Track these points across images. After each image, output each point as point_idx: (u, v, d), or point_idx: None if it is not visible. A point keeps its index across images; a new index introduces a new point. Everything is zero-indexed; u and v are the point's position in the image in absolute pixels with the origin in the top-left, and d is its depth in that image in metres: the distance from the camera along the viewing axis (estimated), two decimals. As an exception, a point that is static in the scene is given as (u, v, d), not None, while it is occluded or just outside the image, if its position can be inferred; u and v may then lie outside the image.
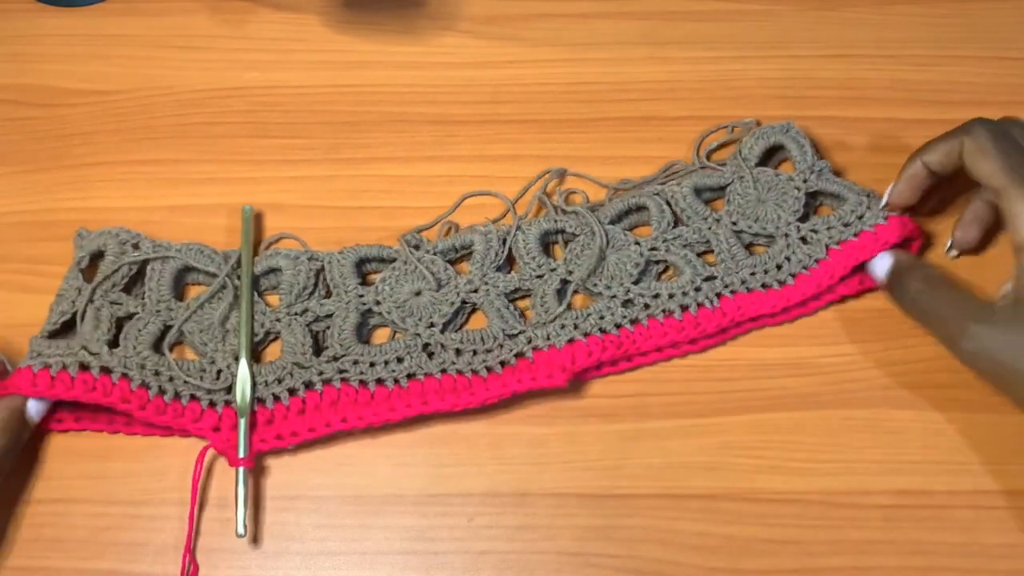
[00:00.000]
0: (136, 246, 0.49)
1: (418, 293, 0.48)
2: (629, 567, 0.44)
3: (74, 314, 0.46)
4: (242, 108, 0.55)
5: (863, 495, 0.45)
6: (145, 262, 0.48)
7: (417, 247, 0.50)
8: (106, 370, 0.44)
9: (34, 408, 0.44)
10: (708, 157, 0.53)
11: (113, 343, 0.46)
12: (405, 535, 0.45)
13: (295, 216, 0.52)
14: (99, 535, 0.45)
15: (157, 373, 0.45)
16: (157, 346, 0.46)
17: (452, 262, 0.50)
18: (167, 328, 0.47)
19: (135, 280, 0.48)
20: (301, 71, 0.56)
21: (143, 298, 0.48)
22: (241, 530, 0.43)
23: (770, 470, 0.46)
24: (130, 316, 0.47)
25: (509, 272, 0.49)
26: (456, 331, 0.47)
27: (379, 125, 0.55)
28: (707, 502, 0.45)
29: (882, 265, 0.47)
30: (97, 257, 0.49)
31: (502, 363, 0.46)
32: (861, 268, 0.49)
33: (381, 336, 0.49)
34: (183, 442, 0.46)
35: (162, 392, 0.45)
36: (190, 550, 0.44)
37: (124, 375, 0.44)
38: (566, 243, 0.50)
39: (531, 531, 0.45)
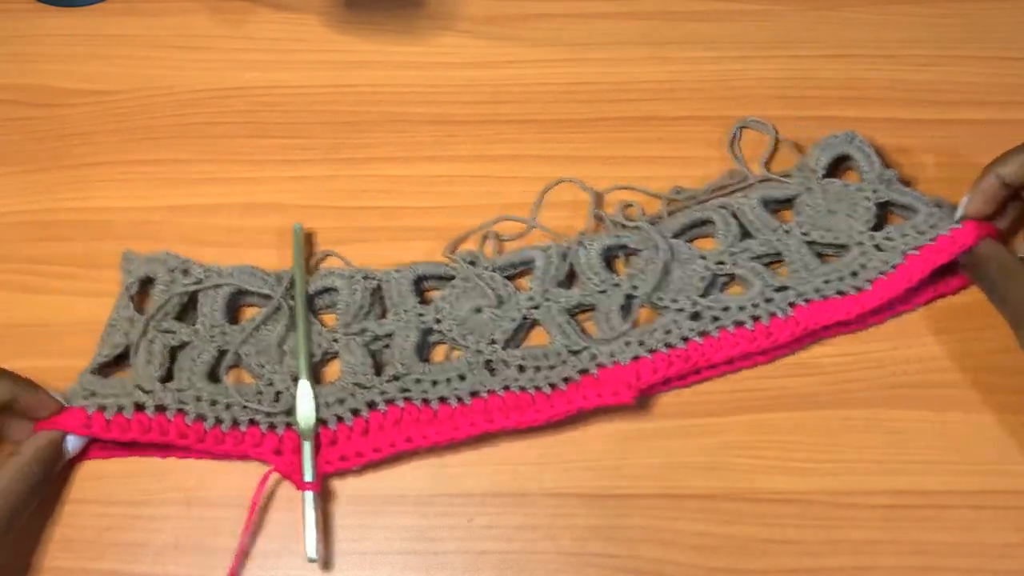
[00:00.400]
0: (185, 272, 0.48)
1: (478, 310, 0.48)
2: (629, 567, 0.44)
3: (126, 346, 0.46)
4: (242, 108, 0.55)
5: (863, 495, 0.45)
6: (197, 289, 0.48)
7: (473, 263, 0.49)
8: (161, 407, 0.44)
9: (72, 441, 0.43)
10: (768, 167, 0.52)
11: (167, 374, 0.46)
12: (405, 535, 0.45)
13: (295, 216, 0.52)
14: (100, 535, 0.45)
15: (213, 403, 0.45)
16: (212, 374, 0.46)
17: (510, 278, 0.49)
18: (222, 354, 0.47)
19: (186, 305, 0.48)
20: (301, 71, 0.56)
21: (195, 324, 0.47)
22: (312, 554, 0.42)
23: (770, 470, 0.46)
24: (183, 345, 0.47)
25: (570, 288, 0.49)
26: (517, 348, 0.47)
27: (379, 125, 0.55)
28: (707, 502, 0.45)
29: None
30: (146, 283, 0.48)
31: (565, 380, 0.46)
32: (937, 276, 0.48)
33: (438, 354, 0.48)
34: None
35: (219, 422, 0.44)
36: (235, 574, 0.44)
37: (180, 410, 0.44)
38: (627, 258, 0.50)
39: (531, 531, 0.45)
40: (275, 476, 0.45)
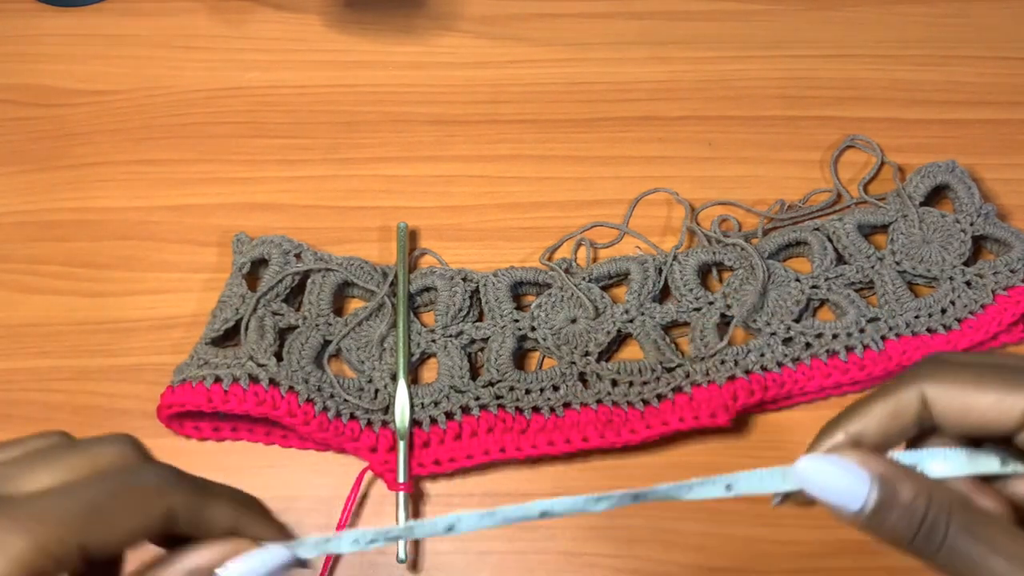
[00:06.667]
0: (298, 256, 0.49)
1: (574, 320, 0.47)
2: (629, 567, 0.44)
3: (237, 321, 0.46)
4: (242, 108, 0.55)
5: (863, 495, 0.45)
6: (307, 274, 0.48)
7: (569, 271, 0.49)
8: (274, 383, 0.44)
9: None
10: (866, 190, 0.52)
11: (276, 354, 0.46)
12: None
13: (295, 216, 0.52)
14: (99, 535, 0.44)
15: (320, 389, 0.45)
16: (318, 361, 0.46)
17: (604, 288, 0.49)
18: (326, 343, 0.47)
19: (294, 290, 0.48)
20: (301, 71, 0.56)
21: (300, 309, 0.48)
22: (402, 555, 0.43)
23: (770, 470, 0.46)
24: (291, 328, 0.47)
25: (662, 302, 0.48)
26: (609, 361, 0.47)
27: (379, 125, 0.55)
28: (707, 502, 0.45)
29: (847, 487, 0.28)
30: (257, 264, 0.49)
31: (659, 397, 0.45)
32: None
33: (531, 361, 0.48)
34: (182, 442, 0.46)
35: (325, 409, 0.44)
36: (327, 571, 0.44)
37: (291, 389, 0.44)
38: (720, 274, 0.49)
39: (531, 531, 0.45)
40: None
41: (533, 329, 0.47)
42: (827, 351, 0.46)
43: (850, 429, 0.29)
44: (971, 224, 0.49)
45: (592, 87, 0.56)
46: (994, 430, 0.27)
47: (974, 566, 0.26)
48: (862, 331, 0.47)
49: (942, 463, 0.28)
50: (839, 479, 0.28)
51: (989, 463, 0.28)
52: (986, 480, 0.28)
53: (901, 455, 0.29)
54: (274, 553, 0.28)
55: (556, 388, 0.46)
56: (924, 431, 0.29)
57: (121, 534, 0.25)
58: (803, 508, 0.30)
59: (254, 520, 0.28)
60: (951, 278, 0.48)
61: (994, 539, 0.26)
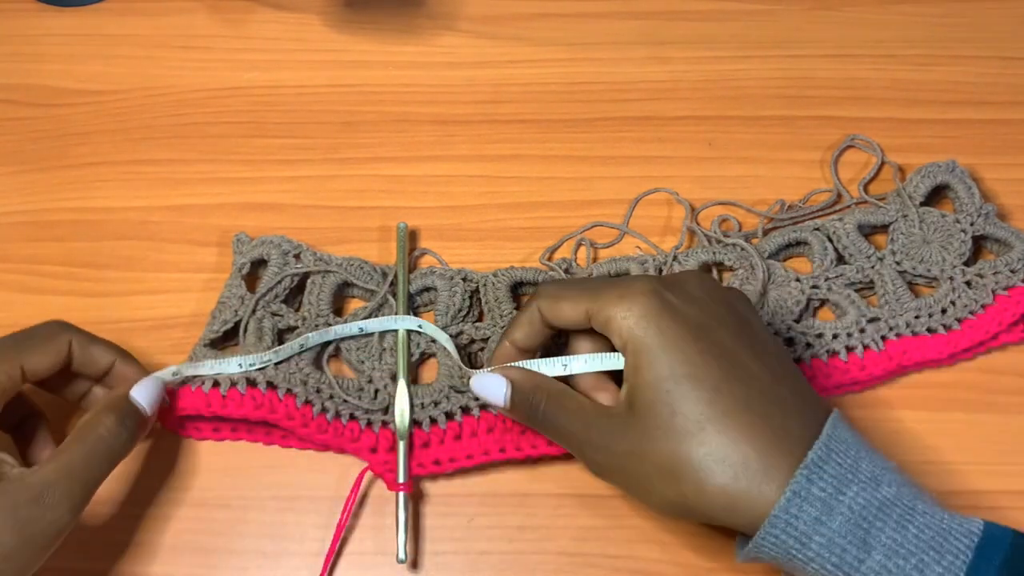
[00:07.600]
0: (298, 256, 0.49)
1: None
2: (629, 567, 0.44)
3: (236, 323, 0.46)
4: (242, 108, 0.55)
5: (863, 495, 0.45)
6: (306, 274, 0.48)
7: (569, 271, 0.49)
8: (272, 385, 0.44)
9: (144, 396, 0.41)
10: (866, 190, 0.52)
11: None
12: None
13: (295, 216, 0.52)
14: (100, 535, 0.44)
15: (319, 390, 0.45)
16: (317, 362, 0.46)
17: None
18: (326, 343, 0.47)
19: (293, 290, 0.48)
20: (301, 71, 0.56)
21: (299, 309, 0.48)
22: (402, 555, 0.43)
23: (770, 470, 0.46)
24: (290, 329, 0.47)
25: None
26: None
27: (379, 125, 0.55)
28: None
29: (495, 389, 0.41)
30: (257, 264, 0.49)
31: None
32: None
33: None
34: (183, 442, 0.46)
35: (324, 410, 0.44)
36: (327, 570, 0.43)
37: (289, 391, 0.44)
38: (720, 274, 0.49)
39: (531, 531, 0.45)
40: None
41: None
42: (827, 351, 0.46)
43: (510, 338, 0.43)
44: (971, 224, 0.49)
45: (592, 87, 0.56)
46: (577, 324, 0.40)
47: (553, 422, 0.40)
48: (862, 331, 0.47)
49: (583, 363, 0.41)
50: (490, 386, 0.42)
51: (616, 362, 0.40)
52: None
53: (558, 359, 0.42)
54: (158, 375, 0.43)
55: None
56: (561, 331, 0.42)
57: (44, 358, 0.41)
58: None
59: (128, 360, 0.43)
60: (951, 278, 0.48)
61: (566, 404, 0.40)
